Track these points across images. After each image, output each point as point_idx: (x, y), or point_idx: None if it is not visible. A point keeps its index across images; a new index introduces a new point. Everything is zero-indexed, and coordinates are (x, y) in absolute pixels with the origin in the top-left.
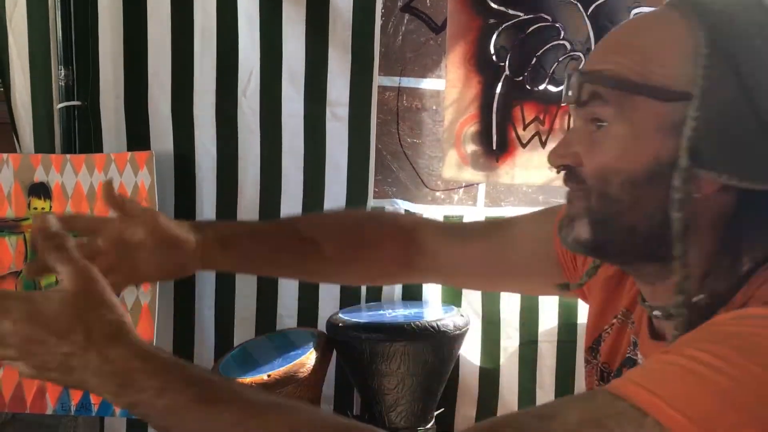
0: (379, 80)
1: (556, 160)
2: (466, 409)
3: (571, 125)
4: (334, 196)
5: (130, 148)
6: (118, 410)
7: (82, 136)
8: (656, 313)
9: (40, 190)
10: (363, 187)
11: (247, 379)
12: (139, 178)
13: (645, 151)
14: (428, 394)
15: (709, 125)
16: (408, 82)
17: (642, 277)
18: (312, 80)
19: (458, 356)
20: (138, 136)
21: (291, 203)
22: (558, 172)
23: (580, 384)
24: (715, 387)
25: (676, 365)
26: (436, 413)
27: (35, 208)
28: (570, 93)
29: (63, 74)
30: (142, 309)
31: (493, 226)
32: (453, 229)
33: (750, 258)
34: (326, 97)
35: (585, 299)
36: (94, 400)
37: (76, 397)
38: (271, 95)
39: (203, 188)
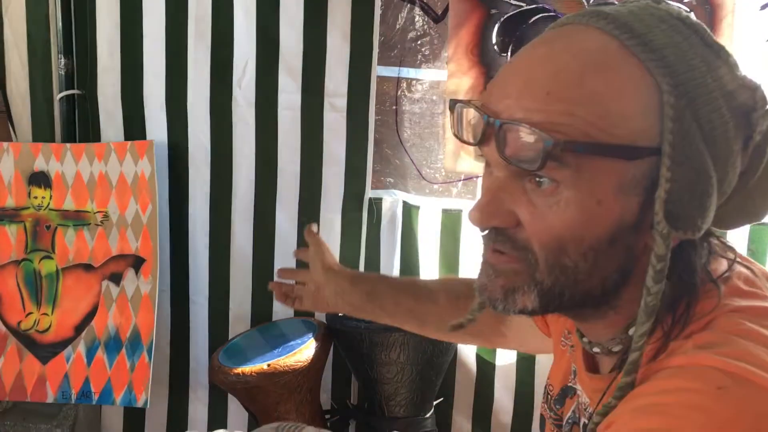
0: (378, 70)
1: (485, 220)
2: (464, 399)
3: (489, 174)
4: (332, 188)
5: (126, 137)
6: (118, 399)
7: (80, 124)
8: (596, 350)
9: (41, 179)
10: (361, 178)
11: (247, 369)
12: (139, 167)
13: (607, 216)
14: (427, 384)
15: (681, 183)
16: (407, 72)
17: (580, 318)
18: (309, 70)
19: (456, 346)
20: (134, 126)
21: (287, 196)
22: (483, 231)
23: None
24: None
25: None
26: (435, 402)
27: (35, 197)
28: (509, 149)
29: (63, 63)
30: (143, 298)
31: None
32: None
33: (682, 294)
34: (324, 87)
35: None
36: (95, 388)
37: (76, 385)
38: (266, 86)
39: (197, 180)
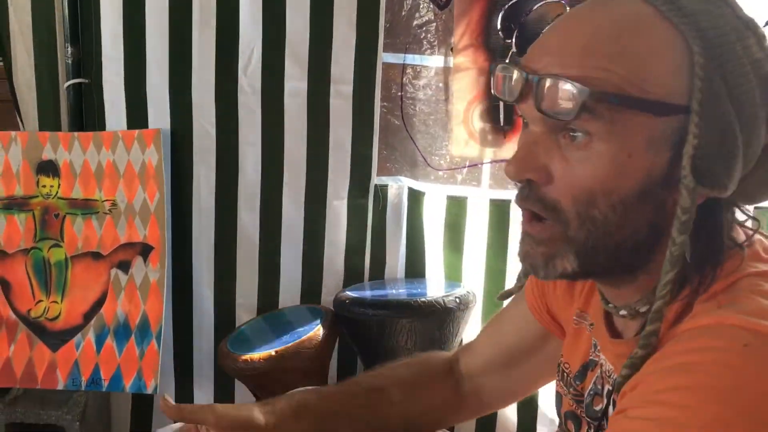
0: (383, 57)
1: (520, 172)
2: None
3: (527, 129)
4: (338, 174)
5: (130, 125)
6: (127, 385)
7: (87, 113)
8: (623, 312)
9: (49, 168)
10: (367, 164)
11: (255, 355)
12: (146, 156)
13: (637, 169)
14: None
15: (708, 141)
16: (413, 59)
17: (607, 284)
18: (315, 57)
19: (462, 332)
20: (137, 114)
21: (293, 183)
22: (517, 185)
23: None
24: None
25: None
26: None
27: (44, 186)
28: (546, 102)
29: (70, 51)
30: (151, 286)
31: (496, 317)
32: (475, 338)
33: (712, 254)
34: (330, 74)
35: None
36: (104, 375)
37: (86, 372)
38: (272, 73)
39: (201, 168)
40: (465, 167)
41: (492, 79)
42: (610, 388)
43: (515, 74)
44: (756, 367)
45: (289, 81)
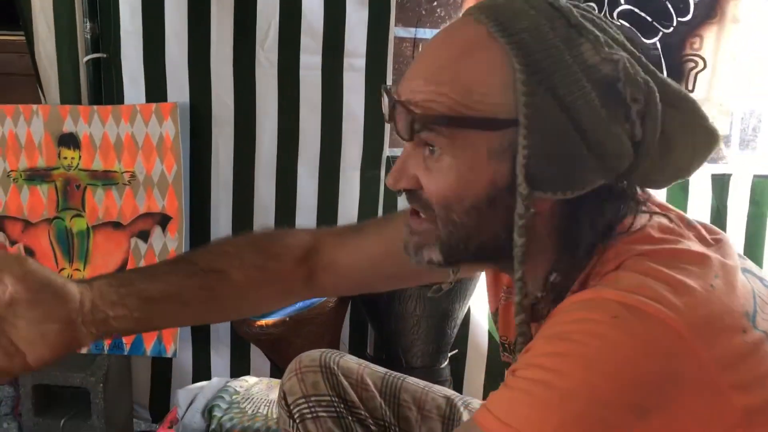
0: (395, 31)
1: (396, 183)
2: (477, 350)
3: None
4: (351, 146)
5: (148, 99)
6: (148, 349)
7: (106, 87)
8: (517, 330)
9: (70, 141)
10: (379, 136)
11: (270, 321)
12: (164, 129)
13: (481, 179)
14: (442, 336)
15: (539, 149)
16: (424, 33)
17: (499, 269)
18: (329, 32)
19: (469, 302)
20: (156, 88)
21: (308, 154)
22: (399, 194)
23: None
24: (550, 403)
25: (518, 389)
26: (449, 354)
27: (65, 158)
28: (398, 127)
29: (88, 27)
30: (170, 254)
31: (383, 219)
32: (348, 229)
33: (583, 246)
34: (344, 48)
35: None
36: (126, 340)
37: None
38: (289, 47)
39: (220, 140)
40: None
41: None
42: None
43: (385, 99)
44: (622, 337)
45: (304, 54)
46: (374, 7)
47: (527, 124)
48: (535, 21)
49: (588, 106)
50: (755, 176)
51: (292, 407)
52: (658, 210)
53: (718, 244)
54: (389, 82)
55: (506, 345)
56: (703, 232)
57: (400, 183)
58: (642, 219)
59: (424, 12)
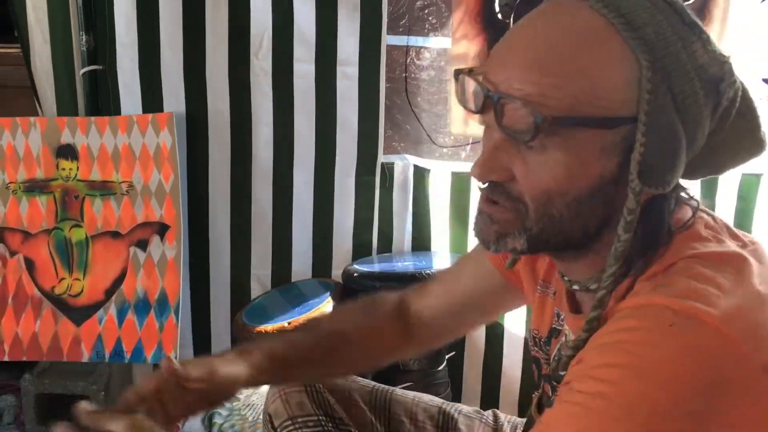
0: (387, 39)
1: (484, 175)
2: (474, 352)
3: (489, 134)
4: (346, 154)
5: (145, 109)
6: (149, 357)
7: (102, 99)
8: (575, 287)
9: (68, 152)
10: (373, 143)
11: (269, 327)
12: (160, 139)
13: (590, 173)
14: None
15: (653, 146)
16: (416, 41)
17: (559, 259)
18: (322, 41)
19: None
20: (153, 98)
21: (304, 161)
22: (481, 187)
23: None
24: (610, 417)
25: (575, 404)
26: (447, 356)
27: (63, 169)
28: (506, 121)
29: (84, 39)
30: (168, 263)
31: (457, 264)
32: (430, 281)
33: (655, 239)
34: (336, 56)
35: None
36: (127, 348)
37: (109, 345)
38: (282, 56)
39: (216, 149)
40: (469, 144)
41: (455, 85)
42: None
43: (475, 87)
44: (678, 345)
45: (297, 63)
46: (366, 15)
47: (647, 121)
48: (654, 16)
49: (695, 105)
50: (743, 174)
51: (279, 430)
52: (703, 207)
53: (753, 245)
54: (382, 90)
55: (537, 339)
56: (736, 231)
57: (490, 176)
58: (688, 212)
59: (415, 20)
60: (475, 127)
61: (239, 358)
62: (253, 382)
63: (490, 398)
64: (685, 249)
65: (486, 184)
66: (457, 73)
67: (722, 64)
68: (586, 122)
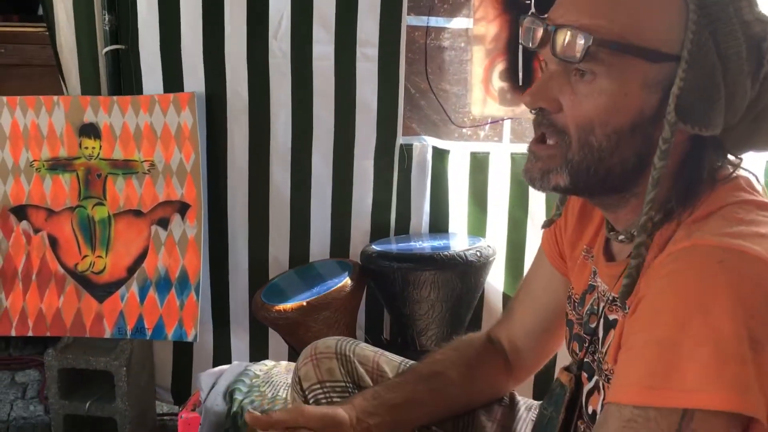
0: (407, 20)
1: (534, 101)
2: None
3: (544, 71)
4: (364, 135)
5: (166, 89)
6: (169, 334)
7: (124, 78)
8: (621, 237)
9: (90, 131)
10: (392, 125)
11: (288, 306)
12: (182, 119)
13: (631, 106)
14: (456, 320)
15: (692, 85)
16: (436, 21)
17: (605, 207)
18: (342, 21)
19: (484, 286)
20: (174, 78)
21: (322, 143)
22: (532, 112)
23: None
24: (681, 356)
25: (644, 352)
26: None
27: (86, 148)
28: (558, 48)
29: (107, 19)
30: (189, 241)
31: (524, 282)
32: (507, 310)
33: (697, 184)
34: (356, 38)
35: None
36: (148, 325)
37: (131, 322)
38: (301, 38)
39: (235, 129)
40: (487, 123)
41: (520, 29)
42: (604, 305)
43: (537, 25)
44: (731, 276)
45: (316, 45)
46: None
47: (689, 59)
48: None
49: (737, 57)
50: None
51: (307, 392)
52: (744, 167)
53: None
54: (402, 71)
55: (573, 300)
56: None
57: (539, 102)
58: (730, 171)
59: (436, 1)
60: (494, 108)
61: (339, 405)
62: (360, 426)
63: None
64: (727, 197)
65: (535, 114)
66: (524, 18)
67: (765, 24)
68: (632, 50)
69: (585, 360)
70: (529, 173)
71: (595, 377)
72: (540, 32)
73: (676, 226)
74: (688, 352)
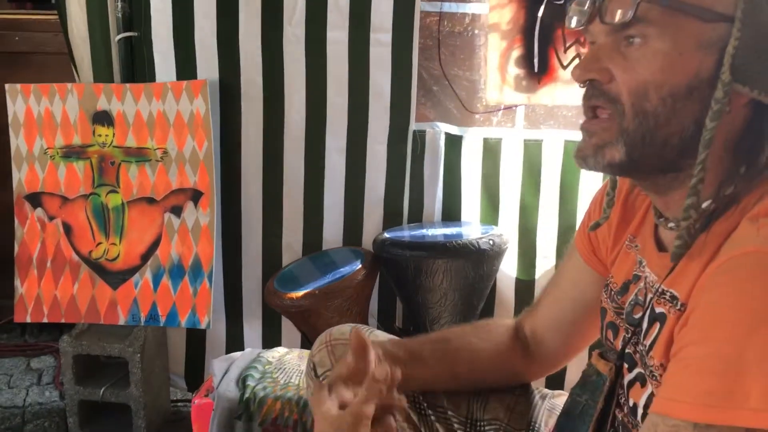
0: (421, 5)
1: (583, 74)
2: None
3: (592, 42)
4: (378, 121)
5: (179, 76)
6: (183, 321)
7: (137, 65)
8: (671, 225)
9: (104, 118)
10: (405, 111)
11: (300, 293)
12: (194, 106)
13: (687, 67)
14: (468, 308)
15: (748, 45)
16: (450, 6)
17: (656, 190)
18: (356, 7)
19: (496, 275)
20: (187, 65)
21: (336, 129)
22: (582, 86)
23: None
24: (741, 372)
25: (703, 363)
26: None
27: (99, 135)
28: (608, 15)
29: (120, 6)
30: (202, 229)
31: (554, 275)
32: (536, 301)
33: (759, 165)
34: (370, 23)
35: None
36: (161, 312)
37: (144, 309)
38: (315, 23)
39: (250, 115)
40: (500, 110)
41: (566, 16)
42: (652, 296)
43: (581, 4)
44: None
45: (331, 30)
46: None
47: (743, 18)
48: None
49: None
50: None
51: (321, 378)
52: None
53: None
54: (415, 57)
55: (611, 290)
56: None
57: (589, 73)
58: None
59: None
60: (509, 95)
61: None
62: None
63: None
64: None
65: (585, 88)
66: (570, 3)
67: None
68: (684, 7)
69: (627, 351)
70: (581, 152)
71: (638, 369)
72: (589, 8)
73: (738, 218)
74: (752, 369)
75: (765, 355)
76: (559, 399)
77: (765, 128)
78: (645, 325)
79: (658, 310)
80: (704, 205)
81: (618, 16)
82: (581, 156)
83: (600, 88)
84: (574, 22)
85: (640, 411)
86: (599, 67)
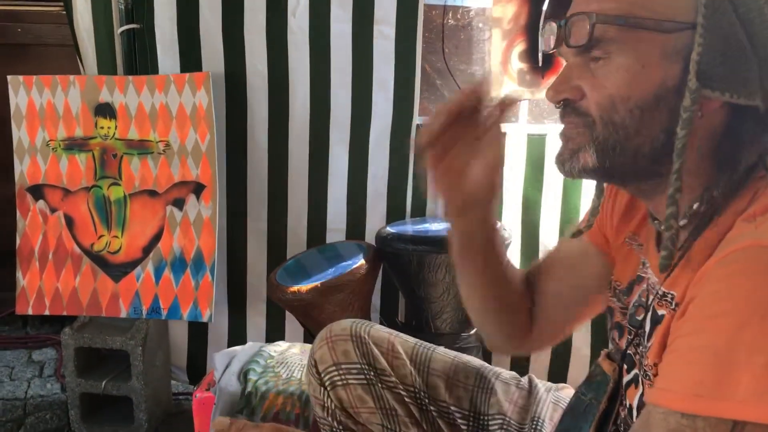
0: None
1: (556, 95)
2: None
3: (564, 62)
4: (381, 114)
5: (183, 69)
6: (185, 314)
7: (140, 57)
8: (663, 227)
9: (106, 110)
10: (409, 104)
11: (302, 287)
12: (197, 98)
13: (652, 78)
14: None
15: (712, 50)
16: (454, 0)
17: (641, 193)
18: (359, 0)
19: None
20: (191, 57)
21: (340, 121)
22: (557, 107)
23: None
24: (738, 363)
25: (694, 354)
26: None
27: (101, 127)
28: (571, 38)
29: None
30: (204, 222)
31: (562, 239)
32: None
33: (742, 166)
34: (373, 15)
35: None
36: (163, 305)
37: (146, 302)
38: (319, 15)
39: (254, 108)
40: None
41: (540, 38)
42: (653, 298)
43: (550, 27)
44: None
45: (334, 23)
46: None
47: (704, 23)
48: None
49: (761, 19)
50: None
51: (323, 375)
52: None
53: None
54: (419, 50)
55: (617, 289)
56: None
57: (561, 94)
58: None
59: None
60: (515, 89)
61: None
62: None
63: (520, 363)
64: None
65: (560, 108)
66: (543, 24)
67: None
68: (641, 24)
69: (628, 352)
70: (560, 157)
71: (635, 371)
72: (555, 32)
73: (731, 221)
74: (742, 361)
75: (755, 348)
76: (564, 392)
77: (743, 129)
78: (647, 327)
79: (660, 312)
80: (695, 207)
81: (578, 39)
82: (560, 160)
83: (572, 106)
84: (547, 45)
85: (634, 413)
86: (570, 86)
